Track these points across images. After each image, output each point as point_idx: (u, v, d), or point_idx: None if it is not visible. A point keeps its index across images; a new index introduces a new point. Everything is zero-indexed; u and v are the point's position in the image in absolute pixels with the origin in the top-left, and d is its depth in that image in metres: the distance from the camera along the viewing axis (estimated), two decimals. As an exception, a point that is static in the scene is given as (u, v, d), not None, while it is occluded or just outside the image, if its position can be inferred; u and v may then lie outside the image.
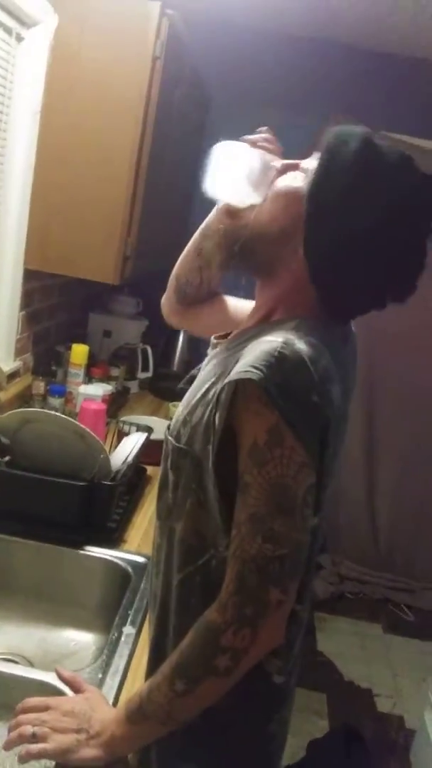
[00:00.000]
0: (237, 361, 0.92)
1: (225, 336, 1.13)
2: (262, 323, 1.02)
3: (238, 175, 1.05)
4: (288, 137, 3.66)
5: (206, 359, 1.12)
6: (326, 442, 0.90)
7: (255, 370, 0.86)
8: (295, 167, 1.04)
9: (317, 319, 0.98)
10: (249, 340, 0.96)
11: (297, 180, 1.01)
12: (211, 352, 1.12)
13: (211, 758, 1.03)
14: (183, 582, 1.01)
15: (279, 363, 0.86)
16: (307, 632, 1.08)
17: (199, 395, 1.00)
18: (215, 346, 1.12)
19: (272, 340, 0.90)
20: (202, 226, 1.17)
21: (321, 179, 0.96)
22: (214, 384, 0.97)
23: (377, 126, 3.28)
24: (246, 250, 1.03)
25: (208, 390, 0.98)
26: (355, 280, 0.97)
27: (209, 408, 0.95)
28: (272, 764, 1.07)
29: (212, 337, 1.15)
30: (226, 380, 0.90)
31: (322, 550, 3.47)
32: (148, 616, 1.20)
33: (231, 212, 1.05)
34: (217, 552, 0.97)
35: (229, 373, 0.92)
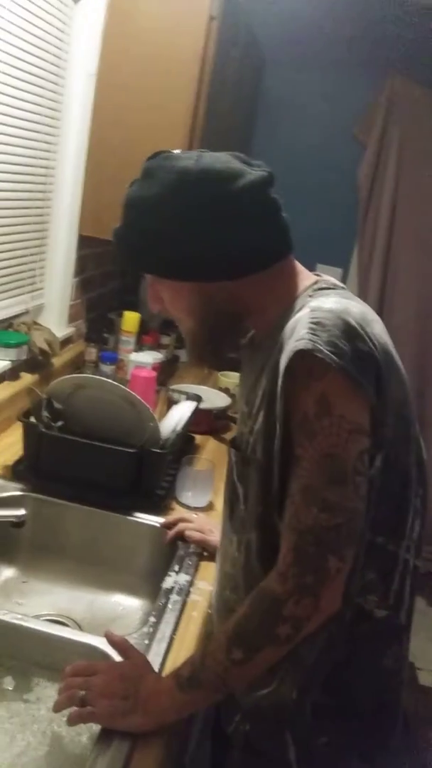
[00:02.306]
0: (280, 350, 0.94)
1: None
2: (276, 319, 1.02)
3: None
4: (344, 99, 3.57)
5: (243, 365, 1.14)
6: (381, 383, 0.92)
7: (300, 342, 0.88)
8: None
9: (309, 285, 1.03)
10: (274, 333, 0.99)
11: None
12: (244, 357, 1.15)
13: (341, 719, 1.03)
14: None
15: (318, 326, 0.89)
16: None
17: (257, 402, 1.01)
18: (247, 350, 1.14)
19: (301, 315, 0.93)
20: None
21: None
22: (266, 385, 0.99)
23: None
24: (215, 338, 1.09)
25: (263, 394, 1.00)
26: (236, 245, 1.00)
27: (268, 407, 0.97)
28: (397, 700, 1.08)
29: (245, 341, 1.16)
30: (281, 370, 0.91)
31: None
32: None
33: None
34: None
35: (274, 365, 0.95)
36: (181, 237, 0.99)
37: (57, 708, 0.99)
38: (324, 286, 1.02)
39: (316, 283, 1.03)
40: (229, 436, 2.18)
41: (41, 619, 1.33)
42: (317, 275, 1.08)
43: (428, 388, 3.54)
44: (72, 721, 0.96)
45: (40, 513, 1.56)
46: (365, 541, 0.97)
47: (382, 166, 3.33)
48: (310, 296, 0.98)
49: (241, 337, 1.13)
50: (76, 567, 1.57)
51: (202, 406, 2.01)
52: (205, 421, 2.11)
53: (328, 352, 0.86)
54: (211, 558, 1.45)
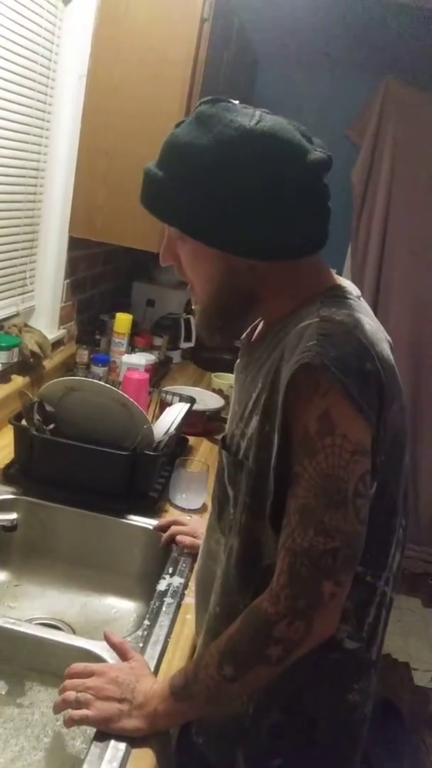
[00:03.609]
0: (281, 357, 0.90)
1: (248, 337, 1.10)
2: (283, 317, 0.98)
3: None
4: (338, 101, 3.58)
5: (238, 362, 1.10)
6: (383, 406, 0.88)
7: (306, 354, 0.84)
8: None
9: (327, 288, 0.97)
10: (279, 334, 0.95)
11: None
12: (241, 354, 1.10)
13: (297, 744, 1.01)
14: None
15: (327, 339, 0.85)
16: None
17: (251, 405, 0.97)
18: (245, 347, 1.09)
19: (309, 323, 0.88)
20: None
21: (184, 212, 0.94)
22: (263, 390, 0.94)
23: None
24: (225, 314, 1.01)
25: (258, 397, 0.95)
26: (275, 224, 0.91)
27: (264, 415, 0.93)
28: (357, 735, 1.05)
29: (242, 338, 1.12)
30: (283, 382, 0.87)
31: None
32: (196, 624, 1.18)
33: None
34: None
35: (275, 372, 0.91)
36: (226, 202, 0.89)
37: (55, 710, 0.99)
38: (339, 293, 0.96)
39: (332, 288, 0.98)
40: (222, 437, 2.17)
41: (34, 622, 1.33)
42: (337, 278, 1.03)
43: (422, 393, 3.54)
44: (68, 724, 0.96)
45: (33, 516, 1.55)
46: None
47: (376, 168, 3.34)
48: (322, 302, 0.92)
49: (249, 320, 1.06)
50: (69, 570, 1.56)
51: (196, 407, 2.01)
52: (198, 423, 2.10)
53: (334, 369, 0.82)
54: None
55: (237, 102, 0.95)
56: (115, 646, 1.09)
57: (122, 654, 1.08)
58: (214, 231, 0.92)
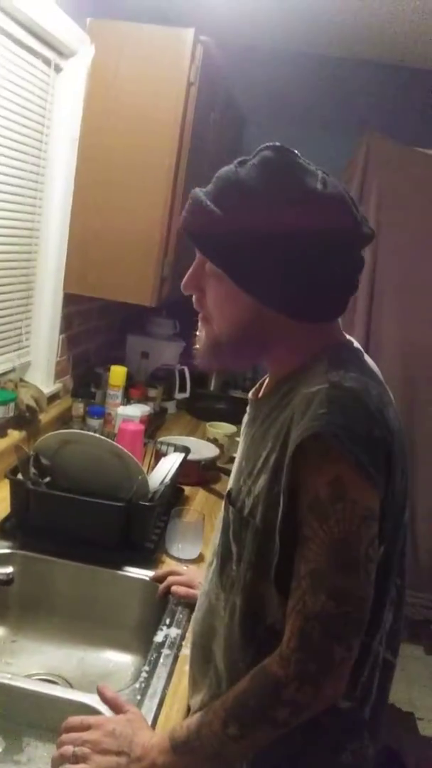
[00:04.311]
0: (291, 419, 0.91)
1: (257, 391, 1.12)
2: (291, 373, 0.99)
3: None
4: (322, 155, 3.67)
5: (246, 417, 1.11)
6: (390, 471, 0.89)
7: (316, 422, 0.85)
8: None
9: (333, 346, 0.99)
10: (288, 395, 0.96)
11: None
12: (249, 409, 1.11)
13: None
14: (251, 667, 0.94)
15: (336, 407, 0.86)
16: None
17: (260, 463, 0.98)
18: (252, 402, 1.10)
19: (318, 389, 0.89)
20: None
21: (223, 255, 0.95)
22: (272, 450, 0.95)
23: (410, 142, 3.32)
24: (235, 354, 1.03)
25: (268, 457, 0.96)
26: (295, 281, 0.93)
27: (273, 475, 0.93)
28: None
29: (249, 395, 1.13)
30: (291, 446, 0.88)
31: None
32: (191, 681, 1.15)
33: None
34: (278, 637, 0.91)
35: (285, 434, 0.92)
36: (282, 259, 0.91)
37: (52, 764, 0.98)
38: (344, 353, 0.98)
39: (338, 346, 1.00)
40: (218, 487, 2.18)
41: (31, 678, 1.32)
42: (341, 333, 1.04)
43: (415, 436, 3.56)
44: (64, 779, 0.95)
45: (29, 570, 1.55)
46: None
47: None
48: (330, 364, 0.94)
49: (254, 364, 1.08)
50: (66, 624, 1.55)
51: (191, 457, 2.02)
52: (193, 473, 2.12)
53: (344, 438, 0.84)
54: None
55: (298, 153, 0.96)
56: (108, 702, 1.09)
57: (116, 708, 1.07)
58: (261, 283, 0.94)
